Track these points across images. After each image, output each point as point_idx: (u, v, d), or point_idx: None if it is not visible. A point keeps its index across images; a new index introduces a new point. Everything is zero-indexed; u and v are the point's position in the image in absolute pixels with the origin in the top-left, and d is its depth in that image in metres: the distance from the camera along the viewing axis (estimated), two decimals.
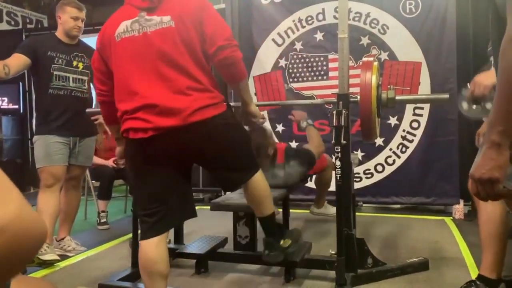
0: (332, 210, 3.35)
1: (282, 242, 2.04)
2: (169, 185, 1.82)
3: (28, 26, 6.96)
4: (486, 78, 1.65)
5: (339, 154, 2.03)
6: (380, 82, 2.20)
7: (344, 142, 2.03)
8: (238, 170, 1.89)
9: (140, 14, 1.76)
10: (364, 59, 2.23)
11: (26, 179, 6.07)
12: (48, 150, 2.79)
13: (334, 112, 2.08)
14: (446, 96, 2.22)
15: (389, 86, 2.22)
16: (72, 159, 2.92)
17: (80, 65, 2.97)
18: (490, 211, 1.90)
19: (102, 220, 3.80)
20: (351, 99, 2.17)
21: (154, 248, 1.78)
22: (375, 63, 2.16)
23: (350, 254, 2.13)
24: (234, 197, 2.52)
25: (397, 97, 2.20)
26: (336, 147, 2.04)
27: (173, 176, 1.83)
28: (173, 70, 1.73)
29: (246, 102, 1.97)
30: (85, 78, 2.99)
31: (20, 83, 5.92)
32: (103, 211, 3.84)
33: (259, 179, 1.92)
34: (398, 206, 4.27)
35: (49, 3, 7.24)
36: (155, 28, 1.74)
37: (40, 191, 2.80)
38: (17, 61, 2.71)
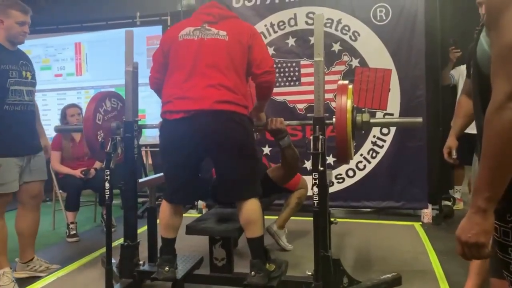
0: (287, 243, 3.21)
1: (267, 265, 2.21)
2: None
3: None
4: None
5: (317, 181, 2.03)
6: (354, 105, 2.21)
7: (322, 168, 2.03)
8: (240, 184, 2.16)
9: (202, 25, 2.19)
10: (340, 82, 2.22)
11: None
12: (7, 176, 2.58)
13: (311, 137, 2.08)
14: (420, 119, 2.25)
15: (363, 109, 2.23)
16: (26, 176, 2.71)
17: (29, 75, 2.72)
18: None
19: (72, 232, 3.68)
20: (327, 121, 2.18)
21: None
22: (350, 87, 2.17)
23: (327, 276, 2.16)
24: (209, 220, 2.50)
25: (372, 120, 2.22)
26: (313, 173, 2.04)
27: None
28: (212, 70, 2.12)
29: (261, 110, 2.43)
30: (34, 89, 2.77)
31: None
32: (72, 223, 3.71)
33: (254, 203, 2.17)
34: (368, 210, 4.35)
35: None
36: (211, 37, 2.16)
37: None
38: None
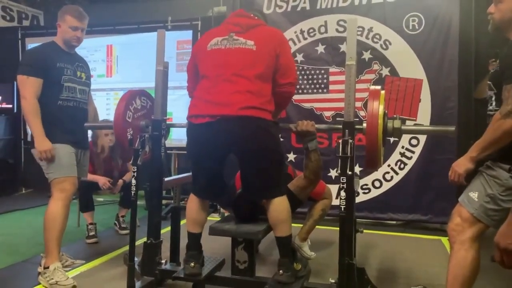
0: (309, 252, 3.04)
1: (295, 264, 2.24)
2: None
3: (24, 22, 6.86)
4: (459, 166, 1.95)
5: (345, 185, 1.99)
6: (386, 111, 2.16)
7: (350, 173, 1.99)
8: (264, 177, 2.16)
9: (230, 34, 2.21)
10: (372, 87, 2.18)
11: (18, 179, 5.99)
12: (70, 160, 2.71)
13: (340, 141, 2.04)
14: (452, 128, 2.18)
15: (395, 116, 2.18)
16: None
17: (83, 75, 2.89)
18: (461, 256, 1.92)
19: (91, 233, 3.66)
20: (357, 126, 2.14)
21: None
22: (382, 92, 2.13)
23: (350, 284, 2.10)
24: (233, 221, 2.48)
25: (403, 127, 2.16)
26: (341, 177, 2.00)
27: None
28: (239, 78, 2.13)
29: (276, 117, 2.37)
30: (87, 89, 2.92)
31: (15, 82, 5.81)
32: (90, 224, 3.70)
33: (282, 202, 2.18)
34: (394, 222, 4.25)
35: None
36: (239, 46, 2.17)
37: (57, 202, 2.65)
38: (38, 87, 2.64)
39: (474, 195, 1.91)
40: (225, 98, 2.11)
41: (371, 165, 2.16)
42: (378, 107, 2.05)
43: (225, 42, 2.20)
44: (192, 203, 2.31)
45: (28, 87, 2.62)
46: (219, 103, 2.11)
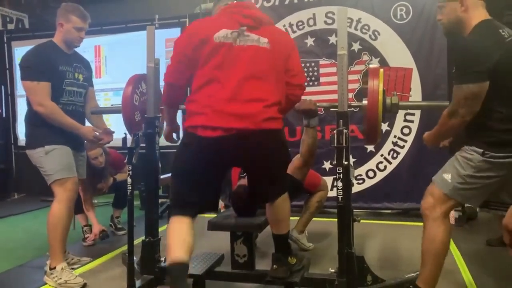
0: (307, 244, 3.14)
1: (289, 259, 2.19)
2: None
3: (8, 25, 6.77)
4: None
5: (341, 175, 2.00)
6: (385, 88, 2.21)
7: (346, 163, 2.00)
8: (274, 187, 2.06)
9: (240, 29, 1.93)
10: (371, 66, 2.23)
11: (9, 185, 5.94)
12: (71, 161, 2.69)
13: (335, 132, 2.05)
14: (447, 103, 2.21)
15: (392, 92, 2.24)
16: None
17: (81, 76, 2.84)
18: (433, 232, 2.08)
19: (87, 235, 3.62)
20: (353, 104, 2.22)
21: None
22: (381, 70, 2.16)
23: (351, 273, 2.11)
24: (231, 216, 2.48)
25: (400, 103, 2.24)
26: (337, 167, 2.01)
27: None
28: (253, 81, 1.90)
29: None
30: (84, 91, 2.88)
31: (3, 87, 5.76)
32: (85, 226, 3.66)
33: (285, 200, 2.11)
34: (389, 211, 4.28)
35: (30, 1, 7.06)
36: (251, 43, 1.94)
37: (60, 204, 2.61)
38: (49, 91, 2.61)
39: (447, 176, 2.04)
40: (241, 108, 1.85)
41: (371, 140, 2.23)
42: (378, 84, 2.09)
43: (235, 35, 1.91)
44: (178, 224, 1.91)
45: (41, 93, 2.59)
46: (234, 114, 1.84)
